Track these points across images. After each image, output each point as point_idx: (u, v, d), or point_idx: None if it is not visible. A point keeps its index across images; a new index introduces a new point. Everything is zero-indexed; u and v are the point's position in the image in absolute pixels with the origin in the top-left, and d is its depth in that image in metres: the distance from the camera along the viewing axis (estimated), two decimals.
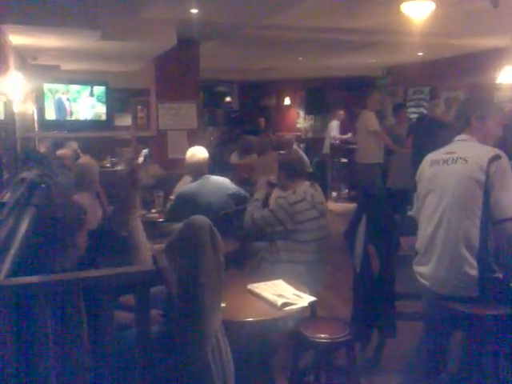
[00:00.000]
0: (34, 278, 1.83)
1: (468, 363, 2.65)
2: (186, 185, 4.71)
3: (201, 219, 2.04)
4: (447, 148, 2.65)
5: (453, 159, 2.53)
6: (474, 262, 2.40)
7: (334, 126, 10.40)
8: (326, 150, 10.08)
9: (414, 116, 8.73)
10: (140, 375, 1.91)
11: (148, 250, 2.20)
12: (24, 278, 1.90)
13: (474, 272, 2.40)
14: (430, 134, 5.81)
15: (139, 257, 2.15)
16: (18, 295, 1.75)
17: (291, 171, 3.57)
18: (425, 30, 5.83)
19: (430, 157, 2.70)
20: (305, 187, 3.50)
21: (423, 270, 2.60)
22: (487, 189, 2.40)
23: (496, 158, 2.42)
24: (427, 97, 9.92)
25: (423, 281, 2.60)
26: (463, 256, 2.42)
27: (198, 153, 4.32)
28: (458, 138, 2.66)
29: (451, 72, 9.03)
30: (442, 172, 2.56)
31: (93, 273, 1.88)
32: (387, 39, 7.02)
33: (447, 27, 6.12)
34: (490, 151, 2.46)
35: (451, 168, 2.52)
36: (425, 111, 7.92)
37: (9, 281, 1.97)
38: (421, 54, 8.82)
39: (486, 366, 2.57)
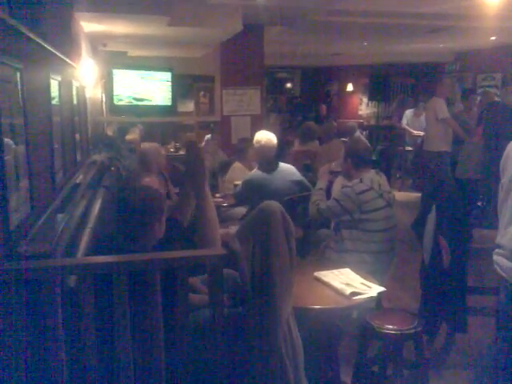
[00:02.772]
0: (112, 258, 1.88)
1: None
2: (234, 172, 4.77)
3: (273, 205, 2.04)
4: None
5: None
6: None
7: (408, 115, 9.82)
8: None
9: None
10: (212, 357, 1.93)
11: (218, 234, 2.20)
12: (102, 257, 1.95)
13: None
14: (502, 122, 5.57)
15: (207, 237, 2.14)
16: (95, 275, 1.79)
17: (358, 159, 3.51)
18: (499, 13, 5.55)
19: None
20: (371, 175, 3.44)
21: (505, 263, 2.48)
22: None
23: None
24: (499, 83, 9.48)
25: (503, 274, 2.48)
26: None
27: (271, 138, 4.32)
28: None
29: None
30: None
31: (169, 254, 1.91)
32: (458, 24, 6.73)
33: None
34: None
35: None
36: (496, 99, 7.55)
37: (86, 259, 2.04)
38: (493, 38, 8.41)
39: None
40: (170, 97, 7.34)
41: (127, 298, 1.75)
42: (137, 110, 7.15)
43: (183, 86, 11.73)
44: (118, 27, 5.79)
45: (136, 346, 1.82)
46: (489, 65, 9.67)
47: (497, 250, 2.56)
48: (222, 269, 1.83)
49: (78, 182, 3.57)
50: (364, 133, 10.38)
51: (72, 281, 1.92)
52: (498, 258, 2.54)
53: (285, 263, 1.91)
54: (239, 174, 4.79)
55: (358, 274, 2.79)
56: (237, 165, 5.04)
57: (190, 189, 2.38)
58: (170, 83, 7.34)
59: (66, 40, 4.01)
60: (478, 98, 7.25)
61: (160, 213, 2.13)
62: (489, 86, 9.59)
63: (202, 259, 1.91)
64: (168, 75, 7.36)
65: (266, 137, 4.31)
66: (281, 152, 6.53)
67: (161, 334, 1.81)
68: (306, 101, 13.77)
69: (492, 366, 2.65)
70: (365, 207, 3.31)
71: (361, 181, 3.38)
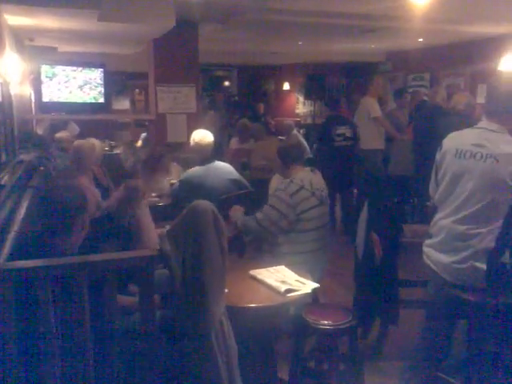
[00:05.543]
0: (37, 262, 1.79)
1: (471, 352, 2.64)
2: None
3: (204, 204, 2.01)
4: (474, 137, 2.49)
5: (481, 156, 2.39)
6: (485, 258, 2.37)
7: None
8: None
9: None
10: (144, 360, 1.88)
11: (154, 236, 2.17)
12: (26, 261, 1.85)
13: (483, 266, 2.37)
14: (430, 122, 5.78)
15: (143, 242, 2.13)
16: (19, 279, 1.71)
17: (289, 158, 3.49)
18: (426, 15, 5.76)
19: (455, 144, 2.55)
20: (302, 174, 3.40)
21: (434, 254, 2.56)
22: None
23: None
24: (427, 83, 9.86)
25: (432, 265, 2.57)
26: (476, 251, 2.39)
27: (206, 137, 4.27)
28: (487, 125, 2.49)
29: (452, 59, 8.98)
30: (469, 169, 2.43)
31: (96, 257, 1.84)
32: (388, 25, 6.93)
33: (448, 13, 6.04)
34: None
35: (479, 167, 2.39)
36: (425, 98, 7.85)
37: (10, 264, 1.92)
38: (421, 40, 8.74)
39: (489, 355, 2.56)
40: (103, 94, 7.14)
41: (51, 304, 1.67)
42: (67, 108, 6.90)
43: (118, 84, 11.48)
44: (45, 21, 5.54)
45: (63, 357, 1.73)
46: (418, 65, 10.04)
47: (426, 242, 2.65)
48: (151, 270, 1.78)
49: (2, 183, 3.38)
50: (301, 131, 10.51)
51: None
52: (427, 250, 2.63)
53: (216, 263, 1.89)
54: (174, 172, 4.73)
55: (293, 271, 2.80)
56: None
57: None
58: (102, 80, 7.13)
59: None
60: (409, 97, 7.48)
61: (81, 211, 2.07)
62: (418, 86, 9.97)
63: (130, 261, 1.85)
64: (100, 72, 7.15)
65: (201, 135, 4.28)
66: (219, 150, 6.52)
67: (89, 342, 1.74)
68: (243, 99, 13.79)
69: (421, 356, 2.74)
70: (299, 208, 3.28)
71: (291, 181, 3.35)
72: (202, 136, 4.27)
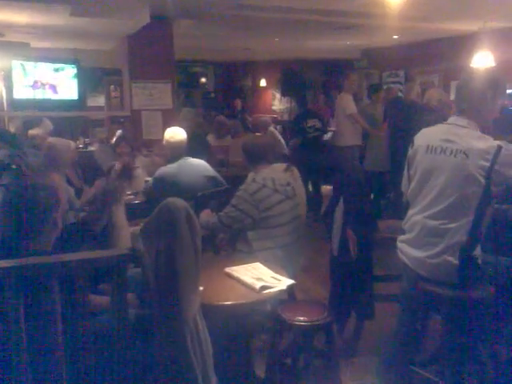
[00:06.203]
0: (7, 262, 1.75)
1: (444, 346, 2.68)
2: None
3: (177, 201, 1.98)
4: (443, 132, 2.51)
5: (451, 151, 2.41)
6: (457, 253, 2.40)
7: None
8: None
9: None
10: (117, 359, 1.86)
11: (128, 235, 2.15)
12: None
13: (455, 261, 2.40)
14: (405, 118, 5.84)
15: (117, 241, 2.10)
16: None
17: (252, 156, 3.46)
18: (400, 13, 5.82)
19: (426, 140, 2.57)
20: (266, 172, 3.36)
21: (407, 249, 2.59)
22: (487, 189, 2.33)
23: (498, 152, 2.32)
24: (402, 80, 9.96)
25: (406, 260, 2.59)
26: (448, 245, 2.41)
27: (178, 134, 4.25)
28: (456, 121, 2.51)
29: (426, 56, 9.09)
30: (440, 164, 2.45)
31: (68, 256, 1.81)
32: (364, 22, 6.98)
33: (422, 11, 6.12)
34: (491, 146, 2.35)
35: (450, 162, 2.41)
36: (400, 94, 7.94)
37: None
38: (396, 37, 8.83)
39: (461, 349, 2.61)
40: (77, 90, 7.02)
41: (21, 306, 1.64)
42: (40, 105, 6.77)
43: (92, 80, 11.30)
44: (15, 16, 5.43)
45: (33, 361, 1.70)
46: (393, 62, 10.14)
47: (400, 238, 2.68)
48: (124, 269, 1.76)
49: None
50: (278, 128, 10.52)
51: None
52: (401, 245, 2.66)
53: (190, 261, 1.87)
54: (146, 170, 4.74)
55: (269, 268, 2.80)
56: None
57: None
58: (76, 76, 7.02)
59: None
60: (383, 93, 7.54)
61: (53, 210, 2.04)
62: (393, 83, 10.07)
63: (102, 261, 1.83)
64: (73, 68, 7.04)
65: (172, 133, 4.25)
66: (197, 147, 6.48)
67: (60, 343, 1.71)
68: (220, 95, 13.74)
69: (394, 350, 2.78)
70: (262, 205, 3.25)
71: (254, 180, 3.33)
72: (173, 133, 4.24)
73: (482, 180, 2.34)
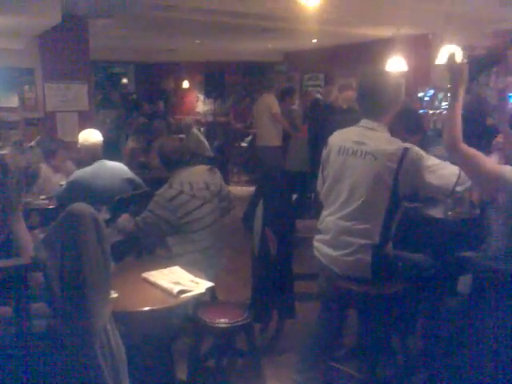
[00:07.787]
0: None
1: (361, 340, 2.76)
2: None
3: (82, 207, 1.88)
4: (356, 134, 2.56)
5: (361, 153, 2.47)
6: (370, 251, 2.47)
7: None
8: None
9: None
10: (23, 372, 1.76)
11: (30, 244, 2.04)
12: None
13: (368, 258, 2.47)
14: (323, 120, 5.99)
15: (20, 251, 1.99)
16: None
17: (167, 161, 3.42)
18: (317, 17, 5.95)
19: (338, 141, 2.62)
20: (183, 176, 3.32)
21: (323, 248, 2.64)
22: (396, 190, 2.41)
23: (404, 154, 2.38)
24: (322, 83, 10.22)
25: (322, 258, 2.64)
26: (361, 245, 2.47)
27: (93, 136, 4.10)
28: (366, 124, 2.57)
29: (344, 59, 9.38)
30: (351, 166, 2.51)
31: None
32: (283, 25, 7.07)
33: (338, 16, 6.28)
34: (398, 148, 2.41)
35: (359, 163, 2.47)
36: (319, 96, 8.14)
37: None
38: (315, 41, 9.04)
39: (377, 342, 2.70)
40: None
41: None
42: None
43: (4, 80, 10.70)
44: None
45: None
46: (313, 65, 10.37)
47: (316, 237, 2.73)
48: (23, 280, 1.66)
49: None
50: (201, 129, 10.48)
51: None
52: (317, 245, 2.71)
53: (98, 268, 1.79)
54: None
55: (189, 271, 2.76)
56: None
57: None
58: None
59: None
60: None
61: None
62: (314, 86, 10.32)
63: (2, 271, 1.72)
64: None
65: (86, 135, 4.11)
66: (115, 150, 6.30)
67: None
68: (142, 97, 13.46)
69: (314, 346, 2.83)
70: (180, 211, 3.22)
71: (171, 186, 3.28)
72: (87, 136, 4.10)
73: (390, 182, 2.42)
